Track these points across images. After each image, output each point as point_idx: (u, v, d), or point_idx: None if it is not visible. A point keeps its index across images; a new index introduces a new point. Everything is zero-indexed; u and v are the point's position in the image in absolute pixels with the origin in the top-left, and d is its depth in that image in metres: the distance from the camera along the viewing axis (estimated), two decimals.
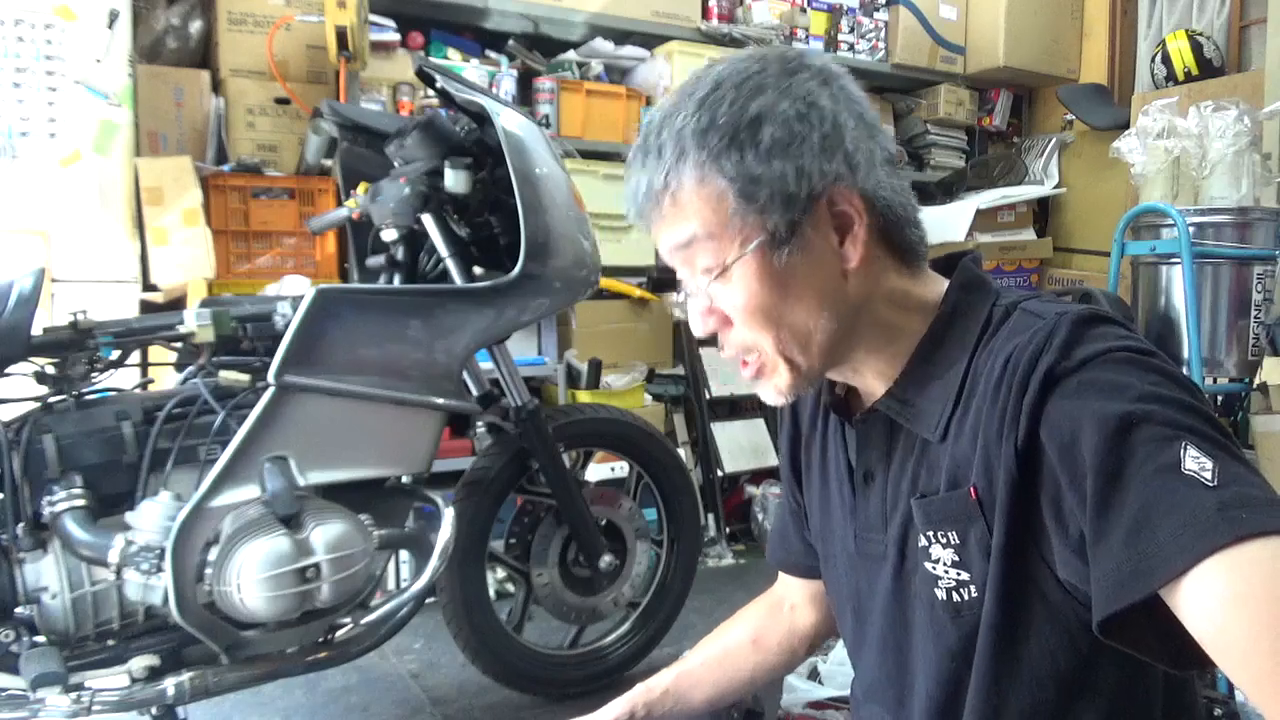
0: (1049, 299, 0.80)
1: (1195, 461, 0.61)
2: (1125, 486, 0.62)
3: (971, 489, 0.74)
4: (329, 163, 2.68)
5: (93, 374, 1.79)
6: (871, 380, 0.85)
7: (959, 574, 0.76)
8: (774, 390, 0.82)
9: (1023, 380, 0.70)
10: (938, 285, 0.84)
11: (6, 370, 1.72)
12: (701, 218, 0.77)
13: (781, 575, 1.12)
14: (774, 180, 0.75)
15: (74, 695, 1.57)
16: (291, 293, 2.04)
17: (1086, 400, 0.67)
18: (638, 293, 3.54)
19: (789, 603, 1.11)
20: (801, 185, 0.76)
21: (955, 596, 0.77)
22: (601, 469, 2.91)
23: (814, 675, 2.22)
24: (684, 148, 0.76)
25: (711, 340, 0.84)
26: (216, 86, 3.00)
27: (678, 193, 0.77)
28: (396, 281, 2.09)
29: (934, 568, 0.78)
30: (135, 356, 1.98)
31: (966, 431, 0.75)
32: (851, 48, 4.14)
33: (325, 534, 1.72)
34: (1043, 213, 4.45)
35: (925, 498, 0.79)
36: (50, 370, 1.75)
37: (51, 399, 1.75)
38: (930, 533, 0.78)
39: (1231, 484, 0.60)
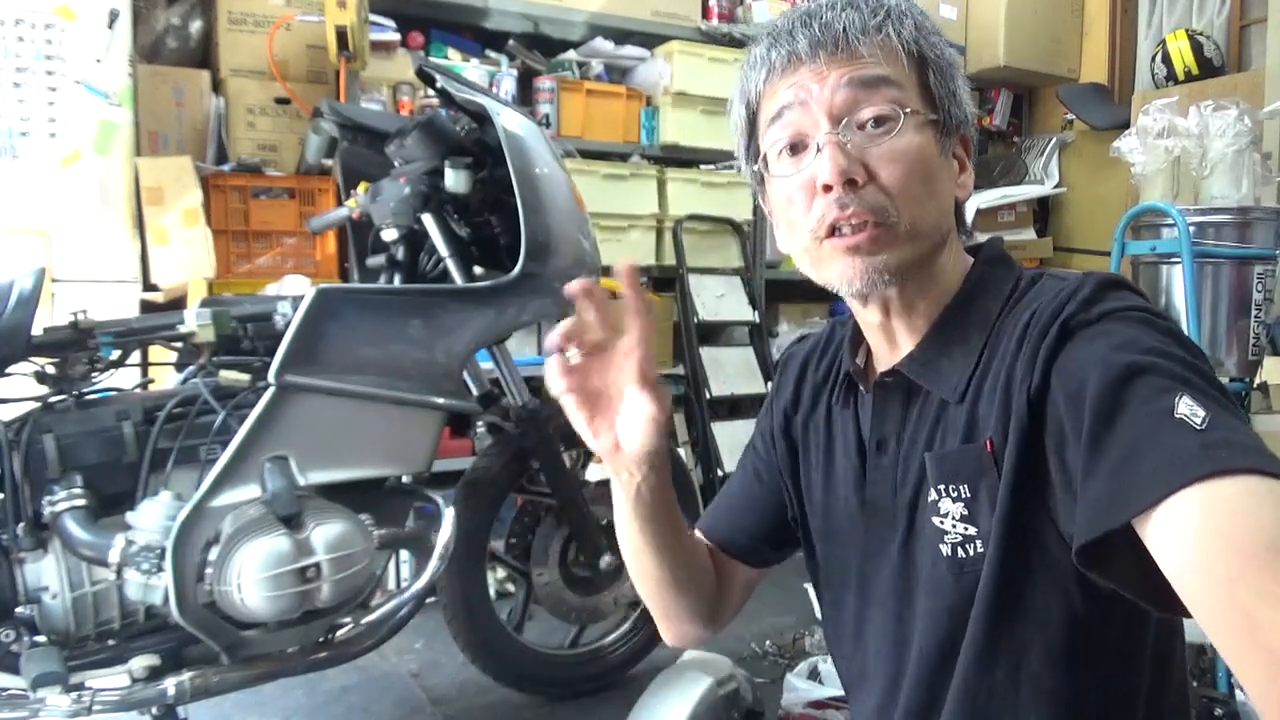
0: (1072, 270, 0.83)
1: (1188, 408, 0.63)
2: (1117, 427, 0.64)
3: (988, 442, 0.75)
4: (329, 163, 2.68)
5: (93, 374, 1.79)
6: (898, 336, 0.85)
7: (966, 528, 0.77)
8: (868, 266, 0.78)
9: (1042, 330, 0.73)
10: (968, 260, 0.87)
11: (7, 370, 1.72)
12: (902, 67, 0.80)
13: (707, 542, 1.04)
14: (954, 82, 0.82)
15: (74, 695, 1.57)
16: (291, 293, 2.04)
17: (1096, 350, 0.69)
18: None
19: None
20: (964, 102, 0.83)
21: (960, 552, 0.77)
22: (602, 469, 2.91)
23: (814, 675, 2.22)
24: (908, 10, 0.81)
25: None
26: (216, 86, 3.00)
27: (891, 40, 0.79)
28: (396, 281, 2.09)
29: (941, 522, 0.78)
30: (135, 356, 1.98)
31: (985, 390, 0.77)
32: None
33: (325, 534, 1.72)
34: (1043, 212, 4.45)
35: (939, 452, 0.79)
36: (50, 370, 1.75)
37: (52, 399, 1.76)
38: (941, 486, 0.78)
39: (1219, 429, 0.61)
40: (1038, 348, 0.72)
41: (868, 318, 0.87)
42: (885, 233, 0.78)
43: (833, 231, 0.79)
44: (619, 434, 0.84)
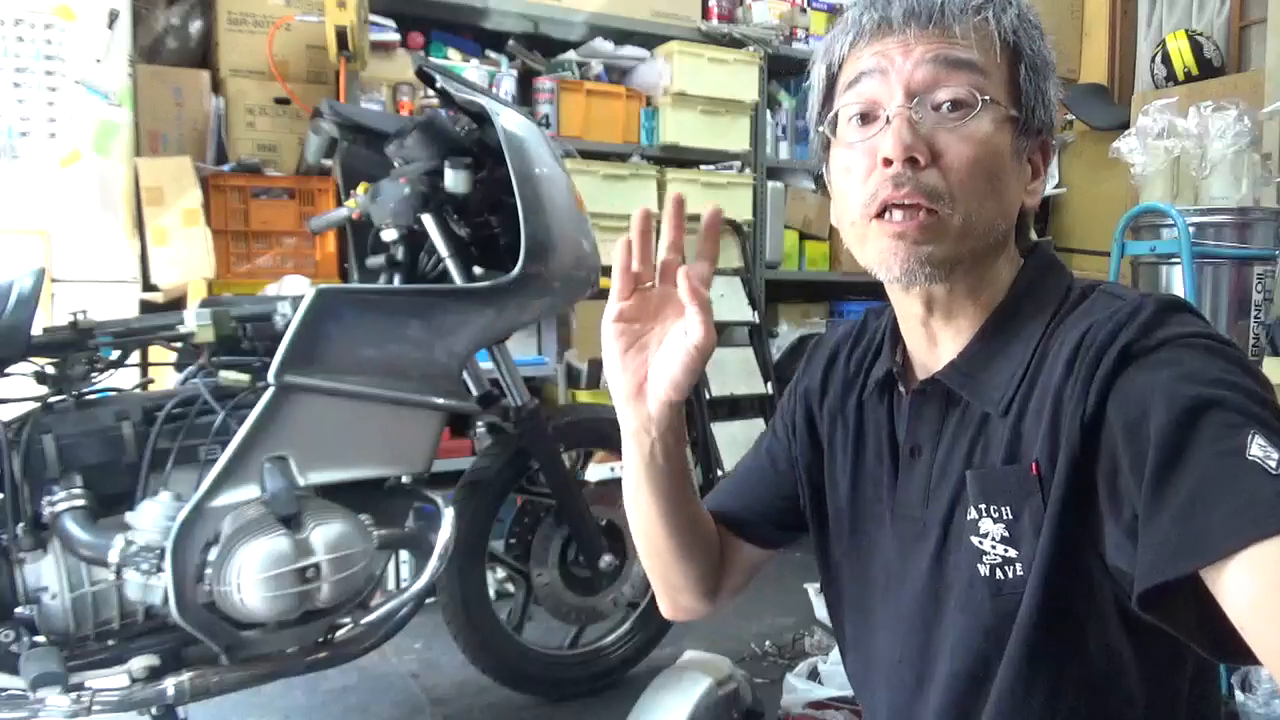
0: (1127, 287, 0.81)
1: (1261, 449, 0.60)
2: (1185, 465, 0.62)
3: (1033, 464, 0.73)
4: (329, 163, 2.68)
5: (93, 374, 1.79)
6: (938, 336, 0.83)
7: (1006, 550, 0.75)
8: (911, 255, 0.75)
9: (1098, 354, 0.70)
10: (1019, 265, 0.84)
11: (6, 370, 1.72)
12: (994, 56, 0.76)
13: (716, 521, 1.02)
14: (1047, 82, 0.79)
15: (74, 695, 1.58)
16: (291, 293, 2.04)
17: (1159, 380, 0.66)
18: None
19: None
20: (1052, 105, 0.80)
21: (999, 574, 0.75)
22: (601, 469, 2.91)
23: (814, 675, 2.22)
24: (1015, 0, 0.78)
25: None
26: (216, 86, 3.00)
27: (988, 24, 0.75)
28: (396, 281, 2.09)
29: (980, 542, 0.76)
30: (135, 356, 1.98)
31: (1031, 407, 0.75)
32: None
33: (325, 534, 1.72)
34: (1043, 213, 4.45)
35: (981, 470, 0.77)
36: (50, 370, 1.75)
37: (51, 399, 1.75)
38: (982, 505, 0.76)
39: None
40: (1093, 372, 0.69)
41: (908, 308, 0.83)
42: (935, 222, 0.74)
43: (883, 212, 0.76)
44: (650, 370, 0.82)
